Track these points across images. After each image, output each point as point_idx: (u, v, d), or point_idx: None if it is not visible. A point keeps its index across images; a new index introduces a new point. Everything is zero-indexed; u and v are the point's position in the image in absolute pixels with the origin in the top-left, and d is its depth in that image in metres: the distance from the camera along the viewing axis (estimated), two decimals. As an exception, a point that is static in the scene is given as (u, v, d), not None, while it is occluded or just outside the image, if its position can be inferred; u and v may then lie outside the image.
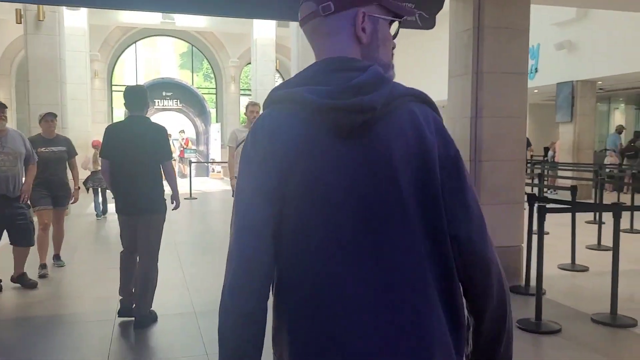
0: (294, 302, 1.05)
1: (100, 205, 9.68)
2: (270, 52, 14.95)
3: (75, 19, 14.03)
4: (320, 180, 1.03)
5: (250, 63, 20.06)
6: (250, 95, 25.48)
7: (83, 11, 14.31)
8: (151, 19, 18.30)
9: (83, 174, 8.95)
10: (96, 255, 6.92)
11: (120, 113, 22.43)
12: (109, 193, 10.11)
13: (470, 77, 4.95)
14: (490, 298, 1.11)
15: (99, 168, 9.47)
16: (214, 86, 22.54)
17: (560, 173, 12.11)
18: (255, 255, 1.03)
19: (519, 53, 4.98)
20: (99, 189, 9.60)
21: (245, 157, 1.08)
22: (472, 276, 1.10)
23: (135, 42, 21.96)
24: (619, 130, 14.31)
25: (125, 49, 22.07)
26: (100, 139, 4.39)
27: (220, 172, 19.70)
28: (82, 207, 10.04)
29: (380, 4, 1.11)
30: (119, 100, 22.50)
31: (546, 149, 14.90)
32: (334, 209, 1.03)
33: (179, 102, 19.98)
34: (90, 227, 9.01)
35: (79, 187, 6.25)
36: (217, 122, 20.99)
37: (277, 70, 19.75)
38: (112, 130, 3.96)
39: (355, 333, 1.00)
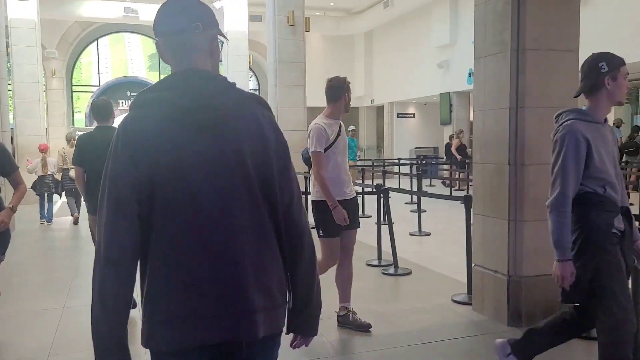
0: (162, 264, 1.38)
1: (46, 212, 9.45)
2: (242, 47, 13.71)
3: (23, 10, 12.54)
4: (183, 167, 1.35)
5: (221, 60, 18.67)
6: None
7: (33, 1, 12.82)
8: (113, 11, 16.84)
9: (30, 179, 8.15)
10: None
11: (81, 116, 20.82)
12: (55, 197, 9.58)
13: (509, 56, 3.82)
14: (302, 254, 1.50)
15: (48, 172, 8.67)
16: (183, 85, 21.09)
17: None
18: (120, 228, 1.35)
19: (569, 23, 3.86)
20: (46, 195, 9.33)
21: (114, 153, 1.38)
22: (291, 235, 1.48)
23: (97, 39, 20.41)
24: (618, 124, 13.49)
25: (87, 46, 20.51)
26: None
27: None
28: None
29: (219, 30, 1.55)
30: (82, 102, 20.92)
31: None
32: (196, 188, 1.36)
33: (144, 103, 18.54)
34: (37, 243, 7.69)
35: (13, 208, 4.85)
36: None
37: (250, 68, 18.58)
38: (84, 140, 4.40)
39: (206, 280, 1.38)
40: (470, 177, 13.80)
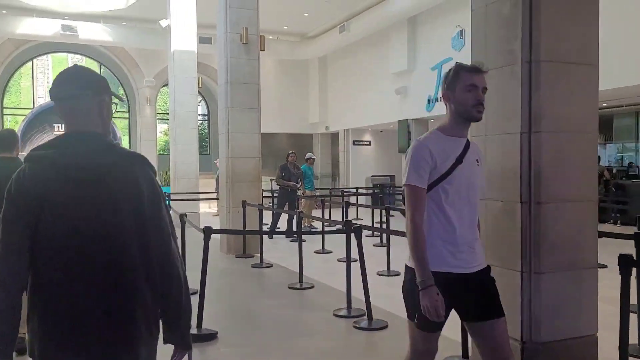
0: (46, 296, 1.61)
1: None
2: (191, 68, 12.78)
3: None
4: (64, 216, 1.60)
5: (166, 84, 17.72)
6: (167, 119, 23.10)
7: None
8: (49, 28, 15.57)
9: None
10: None
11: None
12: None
13: (519, 70, 3.11)
14: (170, 294, 1.70)
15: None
16: (126, 109, 19.85)
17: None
18: (11, 260, 1.60)
19: (587, 31, 3.21)
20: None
21: (9, 199, 1.62)
22: (162, 277, 1.68)
23: (32, 59, 18.96)
24: None
25: (20, 66, 19.00)
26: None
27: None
28: None
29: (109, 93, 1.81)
30: (15, 125, 19.30)
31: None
32: (74, 233, 1.60)
33: (83, 127, 17.18)
34: None
35: None
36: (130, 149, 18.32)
37: (199, 92, 17.60)
38: None
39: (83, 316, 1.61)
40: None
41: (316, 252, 8.99)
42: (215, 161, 15.26)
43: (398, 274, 7.14)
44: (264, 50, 9.11)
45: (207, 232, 4.72)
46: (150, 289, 1.66)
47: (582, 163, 3.17)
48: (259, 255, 8.34)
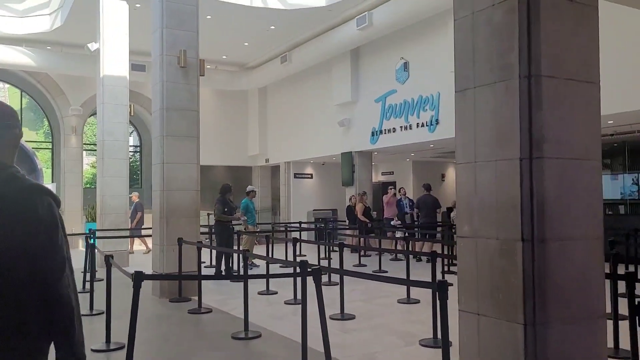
0: None
1: None
2: (122, 95, 11.89)
3: None
4: None
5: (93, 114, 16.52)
6: (95, 150, 21.66)
7: None
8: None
9: None
10: None
11: None
12: None
13: (517, 86, 2.67)
14: (59, 315, 1.73)
15: None
16: (50, 139, 18.42)
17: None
18: None
19: (589, 45, 2.82)
20: None
21: None
22: (51, 298, 1.73)
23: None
24: None
25: None
26: None
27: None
28: None
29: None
30: None
31: (449, 210, 13.53)
32: None
33: (-1, 158, 15.67)
34: None
35: None
36: (52, 182, 16.92)
37: (130, 121, 16.53)
38: None
39: None
40: (376, 240, 12.88)
41: (260, 293, 8.24)
42: (131, 195, 14.25)
43: (353, 318, 6.54)
44: (203, 75, 8.46)
45: (138, 278, 3.95)
46: (38, 312, 1.73)
47: (588, 194, 2.74)
48: (196, 298, 7.51)
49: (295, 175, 18.75)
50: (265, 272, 8.31)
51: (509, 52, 2.71)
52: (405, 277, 7.39)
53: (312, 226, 15.90)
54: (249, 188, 12.22)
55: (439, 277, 8.62)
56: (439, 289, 3.30)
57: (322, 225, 14.74)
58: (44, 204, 1.74)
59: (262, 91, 19.31)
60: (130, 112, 12.26)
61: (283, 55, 15.85)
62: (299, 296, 7.76)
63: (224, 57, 17.48)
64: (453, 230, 11.94)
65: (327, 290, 8.02)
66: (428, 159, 18.28)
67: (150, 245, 13.57)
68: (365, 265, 11.50)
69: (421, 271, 10.27)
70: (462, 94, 3.01)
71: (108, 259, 5.30)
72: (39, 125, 18.76)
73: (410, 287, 7.60)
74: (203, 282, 8.14)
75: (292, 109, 17.78)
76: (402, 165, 18.81)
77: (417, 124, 12.65)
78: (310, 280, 4.47)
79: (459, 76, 3.04)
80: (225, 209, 10.28)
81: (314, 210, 18.48)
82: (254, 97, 19.57)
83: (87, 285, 8.63)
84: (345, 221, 16.21)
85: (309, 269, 4.34)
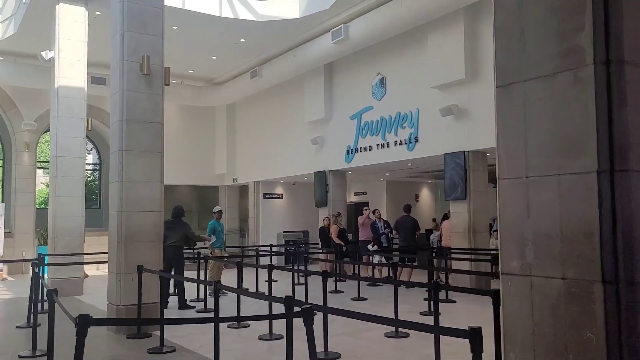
0: None
1: None
2: (79, 107, 10.93)
3: None
4: None
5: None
6: (48, 167, 20.47)
7: None
8: None
9: None
10: None
11: None
12: None
13: (591, 75, 2.02)
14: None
15: None
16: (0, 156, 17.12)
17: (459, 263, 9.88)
18: None
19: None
20: None
21: None
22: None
23: None
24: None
25: None
26: None
27: (2, 270, 14.22)
28: None
29: None
30: None
31: (428, 232, 12.95)
32: None
33: (-58, 176, 14.38)
34: None
35: None
36: (1, 202, 15.61)
37: (87, 136, 15.48)
38: None
39: None
40: (353, 264, 12.12)
41: (230, 326, 7.39)
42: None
43: (338, 357, 5.77)
44: (168, 85, 7.67)
45: (83, 323, 3.10)
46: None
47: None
48: (158, 333, 6.62)
49: (265, 196, 17.93)
50: (236, 304, 7.45)
51: (577, 31, 2.07)
52: (394, 311, 6.69)
53: (283, 249, 15.09)
54: (216, 208, 11.39)
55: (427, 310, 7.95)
56: (473, 338, 2.58)
57: (293, 248, 13.95)
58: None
59: (231, 107, 18.53)
60: (87, 127, 11.28)
61: (253, 70, 15.16)
62: (274, 330, 6.97)
63: (191, 71, 16.67)
64: (433, 255, 11.34)
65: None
66: (402, 179, 17.77)
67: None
68: (342, 292, 10.75)
69: (404, 298, 9.59)
70: (506, 91, 2.35)
71: (51, 295, 4.41)
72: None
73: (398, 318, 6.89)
74: (165, 313, 7.26)
75: (262, 126, 17.04)
76: (376, 185, 18.24)
77: (395, 141, 12.09)
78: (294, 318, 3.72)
79: (500, 68, 2.38)
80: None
81: (284, 232, 17.67)
82: (222, 114, 18.76)
83: (32, 318, 7.61)
84: (317, 243, 15.46)
85: (298, 308, 3.57)
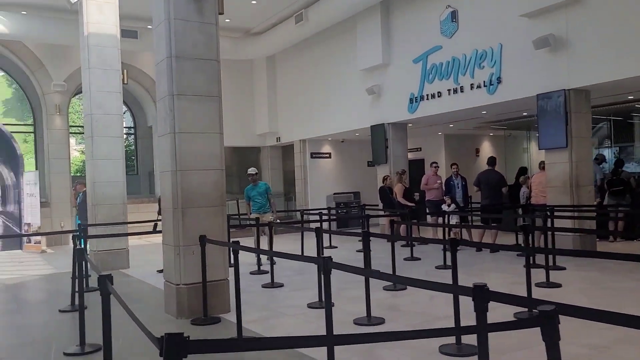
0: None
1: None
2: (112, 58, 9.60)
3: None
4: None
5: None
6: (83, 133, 19.54)
7: None
8: None
9: None
10: None
11: None
12: None
13: None
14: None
15: None
16: (31, 121, 16.08)
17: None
18: None
19: None
20: None
21: None
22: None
23: None
24: (600, 159, 11.34)
25: None
26: None
27: (40, 242, 13.31)
28: None
29: None
30: None
31: (514, 187, 11.35)
32: None
33: (-29, 143, 13.38)
34: None
35: None
36: (36, 169, 14.63)
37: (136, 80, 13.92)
38: None
39: None
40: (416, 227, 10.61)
41: (311, 305, 6.13)
42: (74, 186, 12.11)
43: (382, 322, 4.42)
44: (222, 13, 6.23)
45: (173, 350, 1.78)
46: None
47: None
48: (227, 317, 5.42)
49: (312, 155, 16.55)
50: (311, 277, 6.15)
51: None
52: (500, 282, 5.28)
53: (338, 212, 13.75)
54: (250, 171, 10.19)
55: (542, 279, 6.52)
56: None
57: (355, 210, 12.61)
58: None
59: (271, 60, 17.01)
60: (123, 80, 9.98)
61: (298, 14, 13.55)
62: (363, 311, 5.68)
63: (227, 20, 15.11)
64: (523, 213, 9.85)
65: (394, 298, 5.95)
66: (463, 132, 16.13)
67: None
68: (419, 259, 9.39)
69: (496, 265, 8.21)
70: None
71: (105, 282, 3.13)
72: (18, 106, 16.42)
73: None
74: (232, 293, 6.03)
75: (308, 78, 15.51)
76: (432, 140, 16.64)
77: (471, 85, 10.48)
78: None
79: None
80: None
81: (334, 194, 16.36)
82: (261, 67, 17.27)
83: (77, 301, 6.47)
84: (375, 205, 14.11)
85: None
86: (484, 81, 10.18)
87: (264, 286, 7.45)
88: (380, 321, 5.30)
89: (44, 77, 14.71)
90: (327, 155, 16.86)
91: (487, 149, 17.45)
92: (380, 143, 12.90)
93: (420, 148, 17.13)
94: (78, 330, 4.87)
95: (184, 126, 5.75)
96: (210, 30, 5.92)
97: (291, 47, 15.61)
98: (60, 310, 6.39)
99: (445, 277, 7.78)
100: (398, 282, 6.63)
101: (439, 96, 11.25)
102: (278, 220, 11.39)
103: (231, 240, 5.74)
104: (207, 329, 5.39)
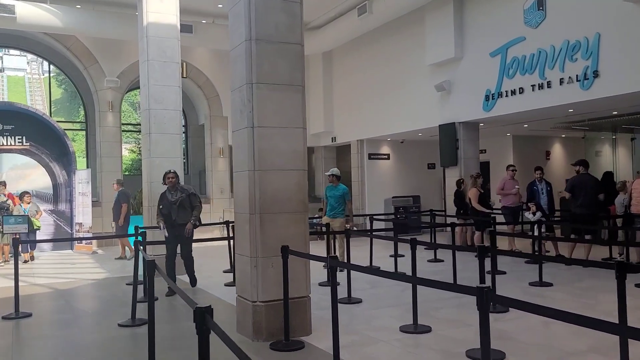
0: None
1: None
2: (171, 50, 9.01)
3: None
4: None
5: (137, 88, 13.69)
6: (138, 130, 19.14)
7: None
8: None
9: None
10: None
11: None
12: None
13: None
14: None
15: None
16: (83, 118, 15.80)
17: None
18: None
19: None
20: None
21: None
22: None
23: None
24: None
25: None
26: None
27: (91, 243, 12.90)
28: None
29: None
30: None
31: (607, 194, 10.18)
32: None
33: (24, 140, 13.09)
34: None
35: None
36: (87, 167, 14.29)
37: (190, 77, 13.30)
38: None
39: None
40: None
41: (404, 329, 5.28)
42: (114, 183, 11.66)
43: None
44: (306, -8, 5.46)
45: None
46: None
47: None
48: (308, 341, 4.65)
49: (370, 156, 15.68)
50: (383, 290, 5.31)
51: None
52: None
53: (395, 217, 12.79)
54: (332, 171, 9.49)
55: None
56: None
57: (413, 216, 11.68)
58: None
59: (327, 56, 16.24)
60: (182, 73, 9.38)
61: (361, 5, 12.71)
62: (468, 338, 4.79)
63: (285, 14, 14.44)
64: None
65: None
66: (533, 133, 14.97)
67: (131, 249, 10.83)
68: (505, 272, 8.41)
69: (599, 283, 7.15)
70: None
71: (204, 316, 2.36)
72: (67, 106, 16.20)
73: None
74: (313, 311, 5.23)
75: (368, 75, 14.65)
76: (498, 142, 15.52)
77: (561, 79, 9.40)
78: None
79: None
80: (161, 207, 7.59)
81: (392, 197, 15.44)
82: (317, 64, 16.51)
83: (140, 311, 5.83)
84: (441, 210, 13.16)
85: None
86: (577, 75, 9.10)
87: (340, 302, 6.63)
88: (501, 356, 4.40)
89: (98, 73, 14.35)
90: (386, 156, 15.95)
91: (558, 152, 16.20)
92: (449, 144, 11.93)
93: (485, 150, 16.01)
94: (143, 350, 4.16)
95: (264, 119, 4.99)
96: (294, 9, 5.15)
97: (350, 41, 14.79)
98: (119, 325, 5.74)
99: (547, 296, 6.82)
100: (503, 305, 5.68)
101: (520, 92, 10.21)
102: (355, 228, 10.63)
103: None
104: (291, 356, 4.60)
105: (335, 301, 4.05)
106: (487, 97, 10.98)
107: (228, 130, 15.90)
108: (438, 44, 11.87)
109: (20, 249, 10.48)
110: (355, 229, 10.13)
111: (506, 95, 10.54)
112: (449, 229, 11.80)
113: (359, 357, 4.50)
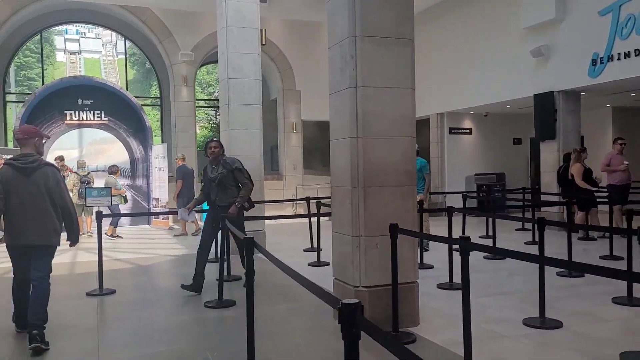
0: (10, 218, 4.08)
1: None
2: (251, 14, 8.48)
3: None
4: (17, 192, 4.18)
5: (214, 61, 13.35)
6: (209, 105, 18.99)
7: None
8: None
9: None
10: None
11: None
12: None
13: None
14: (67, 218, 4.44)
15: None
16: (157, 93, 15.74)
17: None
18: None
19: None
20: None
21: None
22: (63, 212, 4.37)
23: (40, 31, 14.99)
24: None
25: (26, 40, 15.10)
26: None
27: (168, 219, 12.83)
28: None
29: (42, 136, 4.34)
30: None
31: None
32: (23, 200, 4.19)
33: (103, 115, 13.11)
34: None
35: None
36: (162, 142, 14.21)
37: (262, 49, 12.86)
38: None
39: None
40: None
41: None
42: (177, 157, 11.38)
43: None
44: None
45: None
46: (57, 217, 4.30)
47: None
48: (417, 332, 4.04)
49: (451, 131, 14.72)
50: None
51: None
52: None
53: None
54: None
55: None
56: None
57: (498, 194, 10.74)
58: (52, 171, 4.31)
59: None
60: (261, 40, 8.85)
61: (448, -34, 11.71)
62: (605, 333, 4.02)
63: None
64: None
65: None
66: (636, 104, 13.48)
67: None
68: (622, 258, 7.41)
69: None
70: None
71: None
72: (139, 86, 16.19)
73: None
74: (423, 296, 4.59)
75: (451, 42, 13.62)
76: (594, 114, 14.10)
77: (691, 38, 8.14)
78: None
79: None
80: (202, 184, 6.41)
81: (475, 174, 14.45)
82: (395, 34, 15.58)
83: (225, 292, 5.43)
84: (530, 189, 12.11)
85: None
86: None
87: (440, 287, 5.96)
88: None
89: (172, 46, 14.14)
90: (468, 130, 14.93)
91: (664, 125, 14.57)
92: (547, 115, 10.82)
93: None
94: (234, 333, 3.68)
95: (369, 78, 4.33)
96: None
97: (431, 6, 13.78)
98: (206, 305, 5.34)
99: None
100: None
101: (636, 55, 8.99)
102: (425, 202, 9.85)
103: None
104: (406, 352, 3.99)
105: (467, 294, 3.41)
106: (594, 62, 9.79)
107: (301, 104, 15.38)
108: (536, 3, 10.71)
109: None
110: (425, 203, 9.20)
111: (618, 59, 9.33)
112: (556, 208, 10.72)
113: (485, 355, 3.84)
